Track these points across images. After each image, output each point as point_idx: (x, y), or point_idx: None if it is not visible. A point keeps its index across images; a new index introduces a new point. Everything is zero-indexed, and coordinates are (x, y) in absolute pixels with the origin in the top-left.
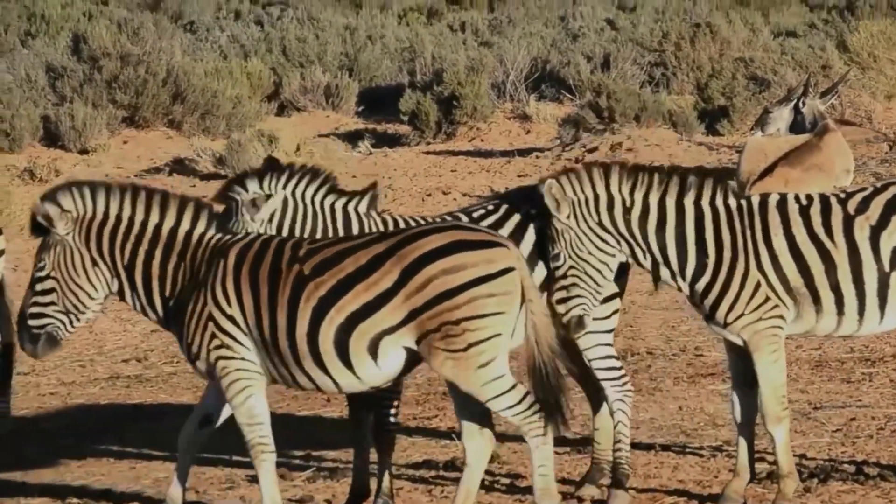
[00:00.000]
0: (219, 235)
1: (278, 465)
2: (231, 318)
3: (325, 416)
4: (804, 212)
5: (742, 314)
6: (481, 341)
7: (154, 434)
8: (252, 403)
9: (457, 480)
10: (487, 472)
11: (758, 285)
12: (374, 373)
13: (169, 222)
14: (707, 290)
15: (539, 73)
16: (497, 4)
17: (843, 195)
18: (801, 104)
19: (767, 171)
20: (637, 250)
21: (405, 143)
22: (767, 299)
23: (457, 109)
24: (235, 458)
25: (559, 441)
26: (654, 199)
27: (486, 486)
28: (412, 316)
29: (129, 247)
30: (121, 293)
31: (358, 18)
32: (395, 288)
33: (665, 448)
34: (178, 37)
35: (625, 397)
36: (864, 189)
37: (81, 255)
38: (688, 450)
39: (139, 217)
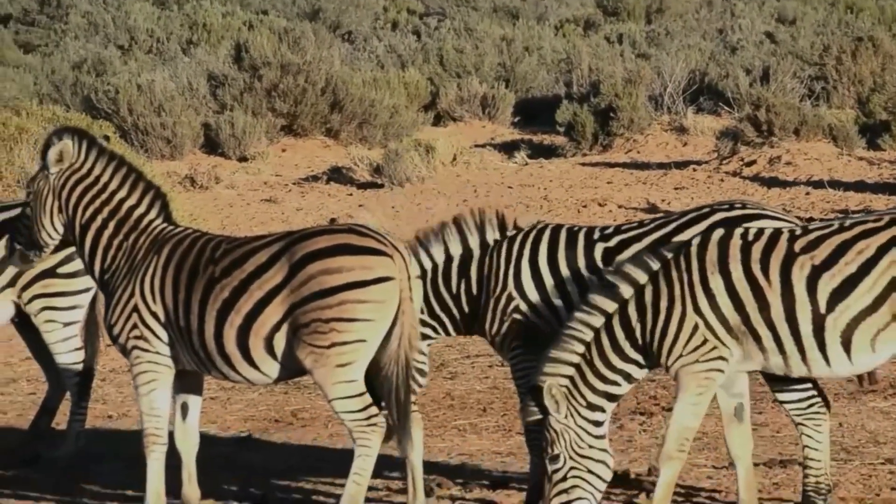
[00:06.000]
0: (162, 226)
1: (435, 473)
2: (154, 315)
3: (481, 424)
4: (746, 249)
5: (680, 355)
6: (345, 343)
7: (311, 437)
8: (154, 396)
9: (614, 493)
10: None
11: (696, 327)
12: (273, 368)
13: (131, 201)
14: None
15: (697, 86)
16: (655, 16)
17: (798, 231)
18: None
19: None
20: None
21: (561, 154)
22: (705, 341)
23: (613, 121)
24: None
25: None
26: None
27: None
28: (291, 310)
29: (91, 208)
30: (73, 243)
31: (515, 29)
32: (282, 284)
33: None
34: (337, 46)
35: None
36: (829, 225)
37: (52, 199)
38: (849, 467)
39: (112, 186)
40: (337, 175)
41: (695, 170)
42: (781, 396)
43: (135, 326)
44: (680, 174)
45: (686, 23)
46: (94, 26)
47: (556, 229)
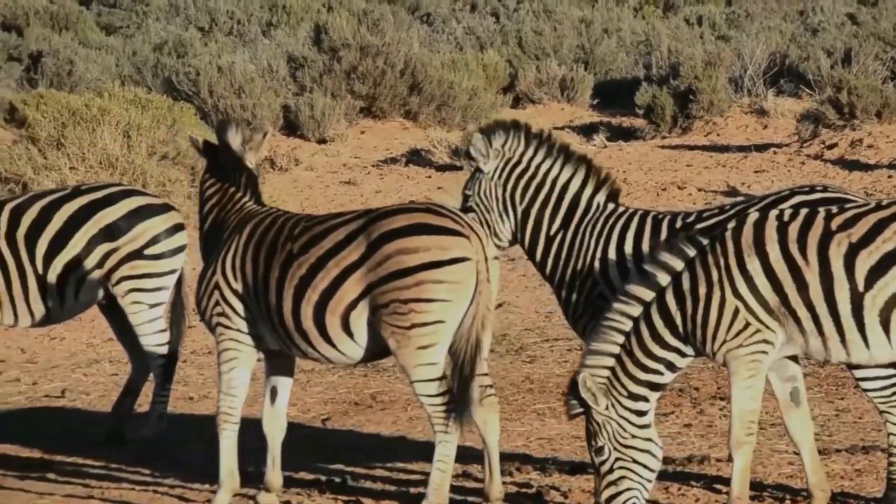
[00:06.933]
0: (250, 206)
1: (513, 459)
2: (235, 292)
3: (560, 408)
4: (782, 229)
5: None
6: (425, 324)
7: (391, 420)
8: (234, 375)
9: (694, 478)
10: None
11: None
12: (351, 347)
13: (230, 181)
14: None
15: (777, 68)
16: None
17: (835, 210)
18: None
19: None
20: None
21: (640, 137)
22: (748, 325)
23: (693, 103)
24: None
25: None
26: None
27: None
28: (369, 290)
29: (206, 194)
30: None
31: (594, 11)
32: (359, 262)
33: None
34: (416, 28)
35: None
36: (866, 204)
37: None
38: None
39: (224, 173)
40: (416, 157)
41: (775, 153)
42: (865, 385)
43: (217, 303)
44: (760, 157)
45: (766, 4)
46: (174, 8)
47: (644, 217)
